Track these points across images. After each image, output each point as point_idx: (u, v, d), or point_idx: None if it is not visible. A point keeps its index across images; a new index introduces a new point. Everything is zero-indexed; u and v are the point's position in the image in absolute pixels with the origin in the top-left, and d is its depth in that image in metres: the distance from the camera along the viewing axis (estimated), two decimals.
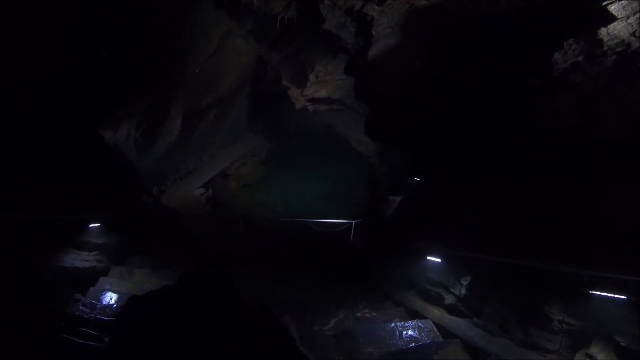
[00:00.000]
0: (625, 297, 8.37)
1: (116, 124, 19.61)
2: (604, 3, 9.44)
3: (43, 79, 16.46)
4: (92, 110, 18.00)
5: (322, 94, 24.70)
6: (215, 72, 22.38)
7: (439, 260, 12.80)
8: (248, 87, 25.56)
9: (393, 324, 11.52)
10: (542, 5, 11.15)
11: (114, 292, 13.00)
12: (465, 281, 12.21)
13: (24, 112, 16.23)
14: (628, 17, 9.28)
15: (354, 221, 17.61)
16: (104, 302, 12.52)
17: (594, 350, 8.87)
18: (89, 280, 13.57)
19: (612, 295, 8.54)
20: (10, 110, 15.97)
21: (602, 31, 9.55)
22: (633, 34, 9.32)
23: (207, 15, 19.44)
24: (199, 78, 21.83)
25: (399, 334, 11.17)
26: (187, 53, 20.36)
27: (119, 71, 17.98)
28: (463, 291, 12.23)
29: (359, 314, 12.69)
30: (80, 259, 14.98)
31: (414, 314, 12.77)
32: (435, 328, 11.50)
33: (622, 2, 9.23)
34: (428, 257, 13.09)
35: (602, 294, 8.69)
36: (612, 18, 9.41)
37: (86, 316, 11.70)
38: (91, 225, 15.67)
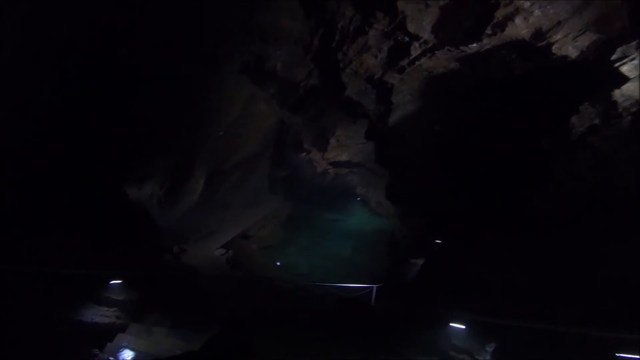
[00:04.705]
0: None
1: (140, 181, 20.03)
2: (616, 64, 9.70)
3: (69, 134, 17.01)
4: (117, 166, 18.48)
5: (343, 157, 25.17)
6: (239, 135, 22.94)
7: (462, 326, 12.56)
8: (270, 150, 26.07)
9: None
10: (554, 70, 11.49)
11: (131, 349, 12.94)
12: (490, 347, 11.88)
13: (49, 166, 16.69)
14: None
15: (375, 286, 17.39)
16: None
17: None
18: (107, 336, 13.51)
19: (638, 357, 8.30)
20: (35, 165, 16.47)
21: (616, 93, 9.79)
22: None
23: (231, 80, 20.14)
24: (222, 140, 22.36)
25: None
26: (211, 115, 20.99)
27: (144, 129, 18.53)
28: (488, 357, 11.91)
29: None
30: (99, 314, 14.97)
31: None
32: None
33: (634, 62, 9.50)
34: (451, 324, 12.85)
35: (628, 356, 8.45)
36: (625, 79, 9.65)
37: None
38: (112, 282, 15.78)
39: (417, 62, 14.15)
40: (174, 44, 17.28)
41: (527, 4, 10.39)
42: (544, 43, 10.96)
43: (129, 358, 12.51)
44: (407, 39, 13.55)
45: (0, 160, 16.33)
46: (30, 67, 15.98)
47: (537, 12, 10.47)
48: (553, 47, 10.83)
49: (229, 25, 17.37)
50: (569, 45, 10.64)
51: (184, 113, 19.37)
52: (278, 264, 25.84)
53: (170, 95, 18.39)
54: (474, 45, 12.31)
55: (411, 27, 12.93)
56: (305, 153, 25.73)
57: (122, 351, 12.80)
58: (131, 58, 16.86)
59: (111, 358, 12.33)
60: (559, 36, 10.62)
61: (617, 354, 8.67)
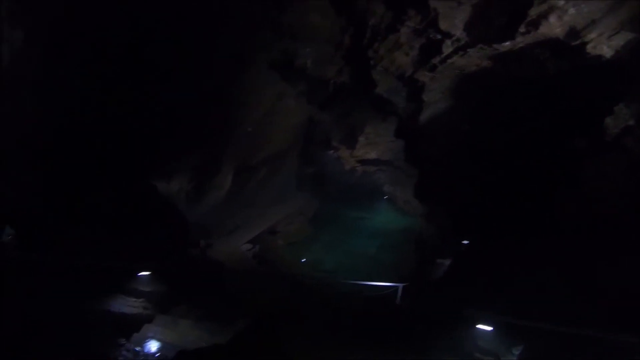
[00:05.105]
0: None
1: (169, 175, 20.20)
2: None
3: (100, 130, 17.29)
4: (146, 161, 18.74)
5: (372, 155, 25.02)
6: (267, 132, 22.91)
7: (489, 328, 12.41)
8: (298, 147, 25.98)
9: None
10: (588, 69, 11.26)
11: (157, 340, 13.15)
12: (517, 350, 11.74)
13: (81, 162, 17.00)
14: None
15: (400, 285, 17.28)
16: (147, 350, 12.67)
17: None
18: (133, 326, 13.76)
19: None
20: (67, 160, 16.79)
21: None
22: None
23: (260, 76, 20.15)
24: (250, 136, 22.36)
25: None
26: (239, 111, 21.03)
27: (173, 125, 18.73)
28: None
29: None
30: (127, 305, 15.26)
31: None
32: None
33: None
34: (477, 326, 12.71)
35: None
36: None
37: None
38: (140, 274, 16.05)
39: (449, 60, 13.97)
40: (203, 40, 17.42)
41: (562, 2, 10.20)
42: (578, 42, 10.74)
43: (155, 348, 12.71)
44: (439, 36, 13.40)
45: (33, 156, 16.80)
46: (61, 64, 16.31)
47: (571, 11, 10.26)
48: (587, 47, 10.62)
49: (258, 22, 17.42)
50: (603, 44, 10.43)
51: (213, 109, 19.49)
52: (303, 260, 25.88)
53: (199, 91, 18.55)
54: (507, 43, 12.12)
55: (443, 25, 12.79)
56: (333, 150, 25.63)
57: (148, 341, 13.02)
58: (160, 54, 17.06)
59: (137, 348, 12.55)
60: (593, 35, 10.41)
61: None
